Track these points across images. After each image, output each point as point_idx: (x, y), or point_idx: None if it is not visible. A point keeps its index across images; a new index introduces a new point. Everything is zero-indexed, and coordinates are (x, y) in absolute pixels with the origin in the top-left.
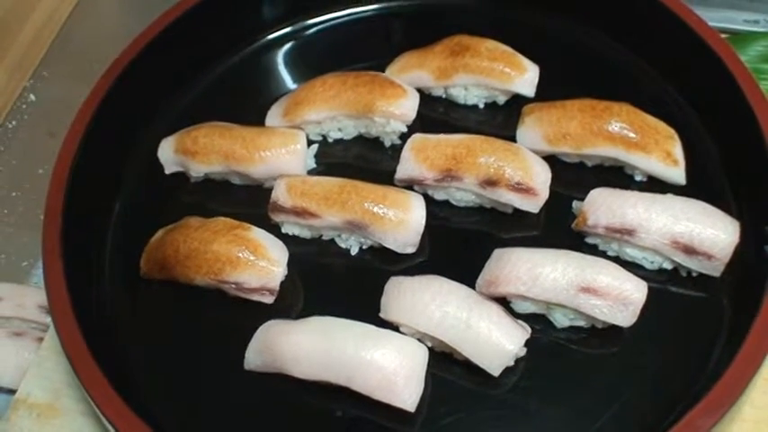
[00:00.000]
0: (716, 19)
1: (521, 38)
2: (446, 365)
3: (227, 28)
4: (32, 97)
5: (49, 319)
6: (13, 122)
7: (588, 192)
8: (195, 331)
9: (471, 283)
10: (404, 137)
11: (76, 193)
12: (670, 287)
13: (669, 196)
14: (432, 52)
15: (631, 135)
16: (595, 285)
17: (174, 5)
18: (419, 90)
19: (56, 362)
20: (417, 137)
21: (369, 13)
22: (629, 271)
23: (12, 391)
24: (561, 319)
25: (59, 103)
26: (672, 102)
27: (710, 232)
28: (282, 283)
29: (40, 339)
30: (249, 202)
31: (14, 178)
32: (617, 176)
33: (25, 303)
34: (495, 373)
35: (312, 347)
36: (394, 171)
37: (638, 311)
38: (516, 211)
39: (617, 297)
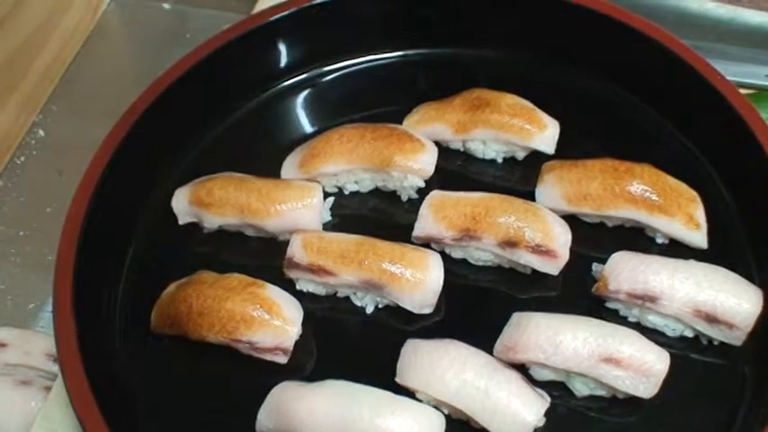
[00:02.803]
0: (737, 74)
1: (541, 92)
2: None
3: (243, 75)
4: (41, 132)
5: (56, 368)
6: (22, 158)
7: (608, 253)
8: (206, 389)
9: (488, 345)
10: (421, 191)
11: (89, 243)
12: (691, 355)
13: (692, 263)
14: (450, 105)
15: (654, 198)
16: (618, 356)
17: (191, 52)
18: (436, 142)
19: (63, 414)
20: (436, 194)
21: (385, 62)
22: (650, 338)
23: None
24: (581, 388)
25: (68, 139)
26: (693, 160)
27: (733, 302)
28: (296, 340)
29: (48, 388)
30: (263, 254)
31: (22, 217)
32: (637, 238)
33: (32, 351)
34: None
35: (327, 413)
36: (410, 225)
37: (660, 382)
38: (535, 271)
39: (639, 368)
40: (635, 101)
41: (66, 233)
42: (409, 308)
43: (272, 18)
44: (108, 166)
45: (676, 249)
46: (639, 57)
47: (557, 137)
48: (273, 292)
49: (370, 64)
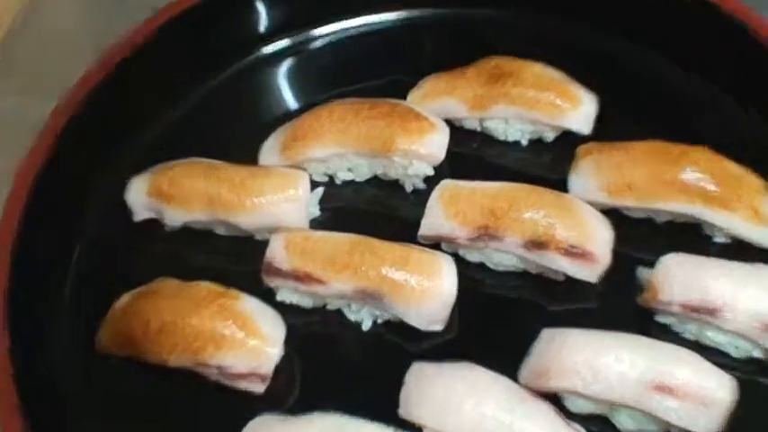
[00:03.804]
0: None
1: (575, 61)
2: None
3: (216, 38)
4: None
5: None
6: None
7: (657, 255)
8: (164, 423)
9: (512, 369)
10: (429, 179)
11: (27, 242)
12: (761, 379)
13: (759, 266)
14: (464, 77)
15: (711, 187)
16: (671, 382)
17: (156, 14)
18: (448, 121)
19: None
20: (447, 184)
21: (385, 24)
22: (711, 360)
23: None
24: (626, 422)
25: (7, 118)
26: (760, 145)
27: None
28: (276, 364)
29: None
30: (236, 257)
31: None
32: (692, 237)
33: None
34: None
35: None
36: (416, 222)
37: (723, 414)
38: (569, 277)
39: (697, 397)
40: (687, 73)
41: (2, 233)
42: (415, 324)
43: None
44: (49, 152)
45: (739, 250)
46: (689, 19)
47: (594, 114)
48: (249, 305)
49: (366, 27)
